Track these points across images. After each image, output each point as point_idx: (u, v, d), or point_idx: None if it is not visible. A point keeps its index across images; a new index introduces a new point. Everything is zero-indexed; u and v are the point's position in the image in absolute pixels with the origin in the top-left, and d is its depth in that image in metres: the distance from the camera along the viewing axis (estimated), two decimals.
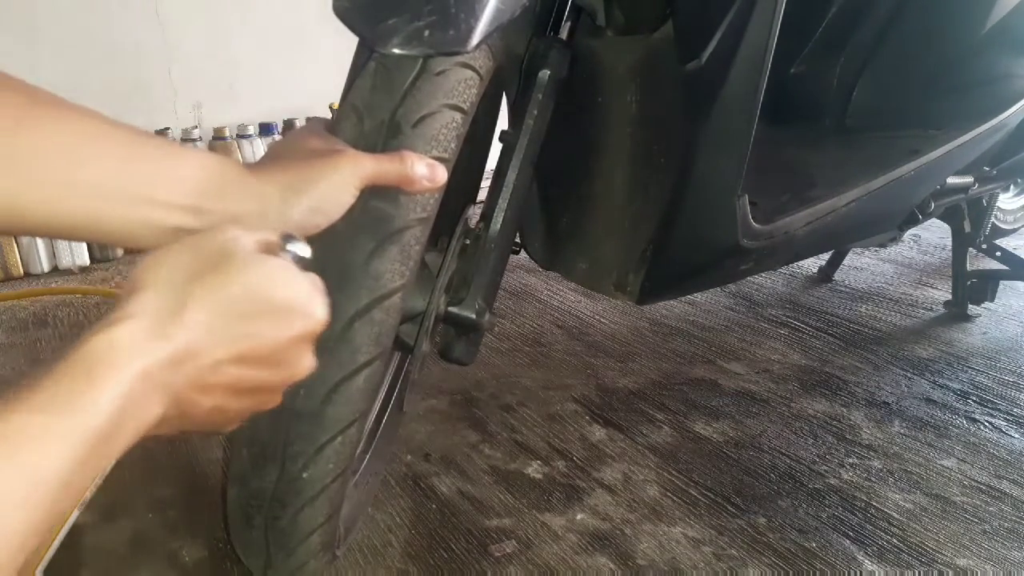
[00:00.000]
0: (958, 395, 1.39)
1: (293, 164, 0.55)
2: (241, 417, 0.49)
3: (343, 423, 0.64)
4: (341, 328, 0.61)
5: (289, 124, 2.47)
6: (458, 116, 0.64)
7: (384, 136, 0.61)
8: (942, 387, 1.42)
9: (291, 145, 0.59)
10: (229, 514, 0.70)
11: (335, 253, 0.60)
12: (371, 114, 0.62)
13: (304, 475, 0.64)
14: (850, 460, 1.18)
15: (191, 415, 0.45)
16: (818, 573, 0.95)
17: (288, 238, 0.48)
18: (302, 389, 0.62)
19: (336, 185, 0.55)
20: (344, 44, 0.73)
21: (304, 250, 0.48)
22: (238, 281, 0.44)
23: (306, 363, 0.49)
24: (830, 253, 1.99)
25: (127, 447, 0.41)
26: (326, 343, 0.61)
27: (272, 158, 0.57)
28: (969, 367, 1.49)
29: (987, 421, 1.30)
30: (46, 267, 2.12)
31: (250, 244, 0.46)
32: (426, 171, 0.59)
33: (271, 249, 0.48)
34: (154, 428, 0.42)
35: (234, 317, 0.43)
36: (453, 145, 0.64)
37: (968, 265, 1.72)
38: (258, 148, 2.38)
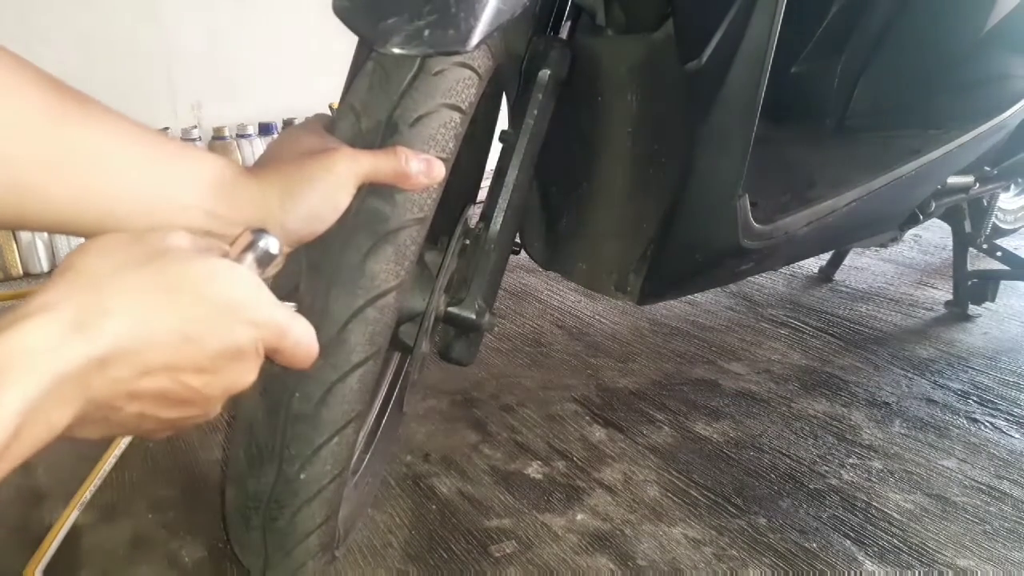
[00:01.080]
0: (959, 395, 1.38)
1: (290, 166, 0.55)
2: (174, 427, 0.44)
3: (339, 424, 0.64)
4: (336, 329, 0.61)
5: (289, 124, 2.48)
6: (456, 116, 0.64)
7: (381, 135, 0.61)
8: (943, 387, 1.41)
9: (288, 144, 0.58)
10: (227, 515, 0.70)
11: (331, 253, 0.60)
12: (368, 114, 0.62)
13: (301, 476, 0.64)
14: (851, 460, 1.18)
15: (112, 421, 0.40)
16: (818, 574, 0.95)
17: (259, 233, 0.46)
18: (297, 390, 0.62)
19: (333, 186, 0.55)
20: (344, 44, 0.73)
21: (274, 246, 0.46)
22: (174, 275, 0.40)
23: (249, 375, 0.44)
24: (830, 253, 1.99)
25: (23, 459, 0.36)
26: (321, 344, 0.61)
27: (269, 159, 0.57)
28: (970, 367, 1.49)
29: (988, 421, 1.30)
30: (45, 267, 2.12)
31: (190, 241, 0.43)
32: (422, 167, 0.59)
33: (239, 245, 0.45)
34: (65, 433, 0.38)
35: (168, 315, 0.39)
36: (451, 145, 0.64)
37: (969, 265, 1.72)
38: (258, 148, 2.38)
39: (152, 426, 0.42)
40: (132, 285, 0.38)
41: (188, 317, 0.39)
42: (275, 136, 2.49)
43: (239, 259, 0.45)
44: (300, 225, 0.54)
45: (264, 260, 0.46)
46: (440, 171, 0.60)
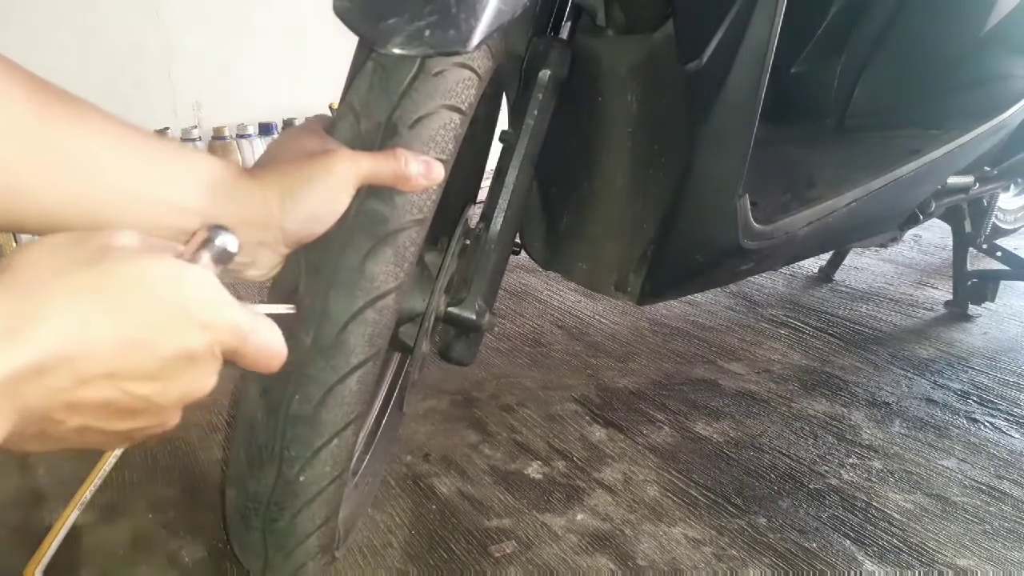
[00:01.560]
0: (959, 395, 1.38)
1: (289, 167, 0.55)
2: (128, 439, 0.42)
3: (338, 426, 0.64)
4: (336, 330, 0.61)
5: (289, 124, 2.48)
6: (456, 117, 0.64)
7: (381, 137, 0.61)
8: (943, 387, 1.41)
9: (287, 145, 0.58)
10: (227, 516, 0.70)
11: (330, 254, 0.60)
12: (368, 115, 0.62)
13: (301, 478, 0.64)
14: (850, 460, 1.18)
15: (52, 435, 0.38)
16: (818, 573, 0.95)
17: (215, 230, 0.44)
18: (297, 392, 0.62)
19: (332, 187, 0.55)
20: (344, 44, 0.72)
21: (232, 243, 0.44)
22: (118, 276, 0.37)
23: (206, 381, 0.42)
24: (830, 253, 1.99)
25: None
26: (321, 346, 0.61)
27: (269, 160, 0.57)
28: (970, 367, 1.49)
29: (987, 421, 1.30)
30: None
31: (139, 240, 0.41)
32: (421, 169, 0.59)
33: (194, 242, 0.43)
34: (3, 446, 0.36)
35: (109, 320, 0.36)
36: (451, 146, 0.64)
37: (969, 265, 1.72)
38: (258, 148, 2.38)
39: (99, 439, 0.40)
40: (71, 288, 0.36)
41: (132, 321, 0.37)
42: (275, 136, 2.50)
43: (194, 258, 0.43)
44: (299, 226, 0.54)
45: (222, 258, 0.44)
46: (439, 173, 0.60)
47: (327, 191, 0.55)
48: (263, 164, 0.57)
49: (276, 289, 0.62)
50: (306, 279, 0.61)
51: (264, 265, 0.57)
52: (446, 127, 0.63)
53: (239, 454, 0.66)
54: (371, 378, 0.65)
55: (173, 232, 0.49)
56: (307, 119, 0.65)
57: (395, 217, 0.61)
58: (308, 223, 0.55)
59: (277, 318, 0.46)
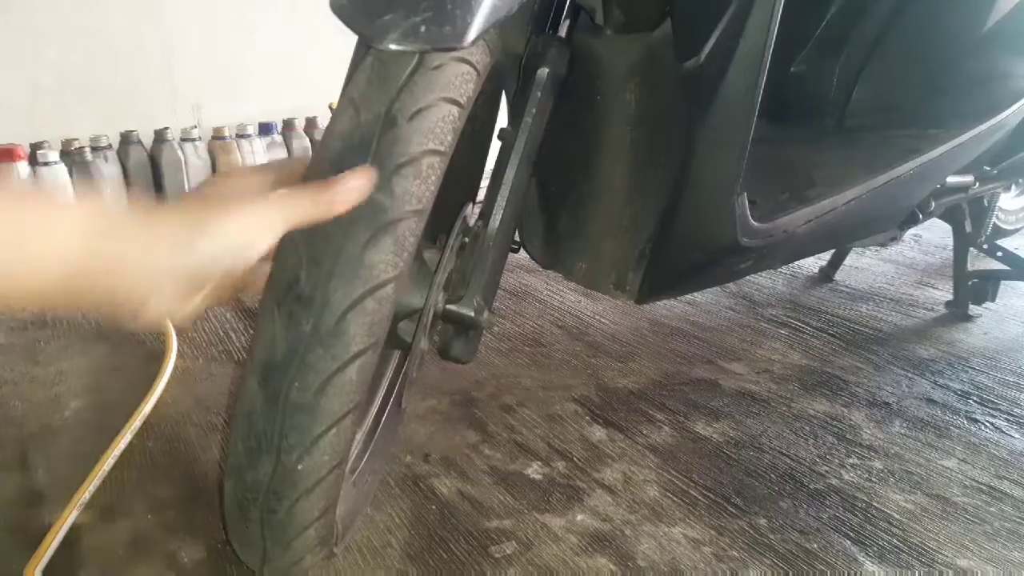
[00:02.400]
0: (959, 395, 1.38)
1: (209, 201, 0.54)
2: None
3: (337, 415, 0.64)
4: (335, 319, 0.61)
5: (289, 124, 2.48)
6: (455, 110, 0.64)
7: (380, 128, 0.62)
8: (943, 387, 1.41)
9: (223, 182, 0.58)
10: (225, 509, 0.70)
11: (331, 244, 0.61)
12: (367, 107, 0.62)
13: (299, 467, 0.64)
14: (851, 460, 1.18)
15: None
16: (819, 574, 0.95)
17: None
18: (296, 380, 0.62)
19: (251, 227, 0.53)
20: (344, 43, 0.73)
21: None
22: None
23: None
24: (831, 253, 1.99)
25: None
26: (320, 334, 0.61)
27: (197, 194, 0.56)
28: (970, 367, 1.49)
29: (988, 421, 1.30)
30: None
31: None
32: (345, 186, 0.58)
33: None
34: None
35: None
36: (450, 138, 0.65)
37: (969, 265, 1.72)
38: (257, 148, 2.39)
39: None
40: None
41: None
42: (275, 136, 2.49)
43: None
44: (204, 263, 0.52)
45: None
46: (366, 182, 0.59)
47: (243, 231, 0.53)
48: (188, 195, 0.56)
49: (275, 279, 0.63)
50: (307, 268, 0.61)
51: (160, 304, 0.53)
52: (445, 119, 0.63)
53: (237, 445, 0.66)
54: (370, 368, 0.65)
55: (49, 287, 0.48)
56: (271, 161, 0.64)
57: (394, 207, 0.61)
58: (215, 259, 0.52)
59: None
